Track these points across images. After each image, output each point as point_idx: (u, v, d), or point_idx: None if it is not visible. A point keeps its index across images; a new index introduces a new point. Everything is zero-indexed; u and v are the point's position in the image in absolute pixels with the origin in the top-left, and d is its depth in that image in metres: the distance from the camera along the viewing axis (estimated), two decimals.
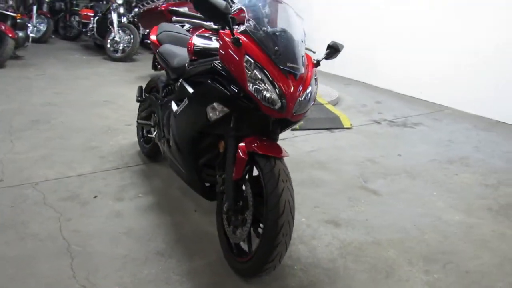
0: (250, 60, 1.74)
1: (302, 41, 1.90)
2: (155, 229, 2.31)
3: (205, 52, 2.13)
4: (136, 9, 7.39)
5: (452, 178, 3.15)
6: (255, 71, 1.73)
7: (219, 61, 1.85)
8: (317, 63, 1.99)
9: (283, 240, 1.70)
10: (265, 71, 1.73)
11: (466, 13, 4.82)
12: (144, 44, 7.45)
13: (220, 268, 2.02)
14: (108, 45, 6.90)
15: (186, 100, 2.06)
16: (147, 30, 7.42)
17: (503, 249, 2.31)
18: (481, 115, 4.76)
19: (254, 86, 1.72)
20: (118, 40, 6.80)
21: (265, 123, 1.89)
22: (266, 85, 1.73)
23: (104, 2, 8.27)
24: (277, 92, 1.73)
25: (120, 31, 6.81)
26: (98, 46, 7.77)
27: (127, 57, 6.83)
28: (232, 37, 1.77)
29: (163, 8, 5.31)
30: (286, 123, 1.94)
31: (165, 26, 3.06)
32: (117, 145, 3.45)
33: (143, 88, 3.17)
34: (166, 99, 2.63)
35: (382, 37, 5.83)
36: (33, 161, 3.05)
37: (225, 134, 1.94)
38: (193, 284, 1.89)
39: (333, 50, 2.06)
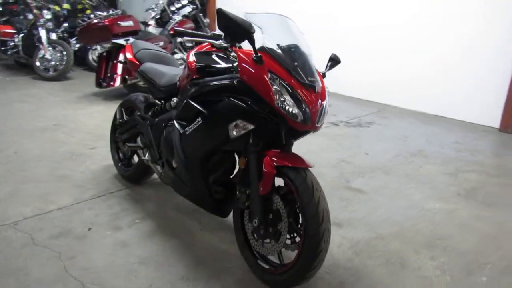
0: (274, 77, 1.79)
1: (311, 55, 1.99)
2: (169, 254, 2.24)
3: (209, 70, 2.13)
4: (65, 24, 6.95)
5: (419, 170, 3.47)
6: (280, 87, 1.78)
7: (237, 78, 1.87)
8: (323, 75, 2.10)
9: (325, 247, 1.77)
10: (290, 86, 1.80)
11: (403, 18, 5.30)
12: (77, 60, 7.06)
13: (250, 284, 2.03)
14: (38, 64, 6.38)
15: (199, 119, 2.04)
16: (78, 46, 7.07)
17: (482, 228, 2.61)
18: (421, 111, 5.25)
19: (281, 101, 1.77)
20: (49, 58, 6.33)
21: (280, 137, 1.94)
22: (292, 99, 1.79)
23: (22, 18, 7.62)
24: (303, 106, 1.81)
25: (50, 48, 6.35)
26: (21, 65, 7.16)
27: (60, 76, 6.38)
28: (254, 54, 1.81)
29: (106, 23, 5.08)
30: (297, 135, 2.02)
31: (139, 44, 2.97)
32: (89, 171, 3.25)
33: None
34: (157, 119, 2.55)
35: (327, 45, 6.16)
36: (1, 199, 2.76)
37: (246, 150, 1.96)
38: None
39: (334, 63, 2.18)
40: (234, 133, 1.91)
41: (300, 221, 1.86)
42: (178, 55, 6.31)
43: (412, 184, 3.19)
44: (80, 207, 2.71)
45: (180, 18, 6.55)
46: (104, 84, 5.27)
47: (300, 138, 2.08)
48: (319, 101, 1.88)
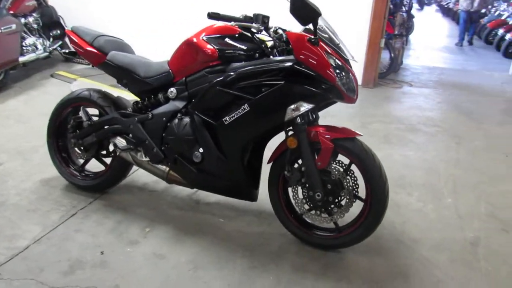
0: (333, 57, 1.89)
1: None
2: (214, 250, 2.13)
3: (232, 54, 2.06)
4: None
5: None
6: (337, 65, 1.90)
7: (292, 60, 1.89)
8: None
9: (387, 203, 2.03)
10: (343, 64, 1.94)
11: None
12: None
13: (314, 252, 2.15)
14: None
15: (246, 106, 1.96)
16: None
17: (421, 159, 3.31)
18: None
19: (339, 78, 1.90)
20: None
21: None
22: (348, 76, 1.94)
23: None
24: (353, 81, 1.98)
25: None
26: None
27: None
28: (309, 36, 1.86)
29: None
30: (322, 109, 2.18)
31: (85, 30, 2.49)
32: (25, 192, 2.63)
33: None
34: (150, 114, 2.27)
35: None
36: None
37: (296, 129, 2.02)
38: (324, 276, 1.99)
39: None
40: (293, 115, 1.94)
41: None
42: (30, 39, 5.28)
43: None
44: (62, 232, 2.24)
45: None
46: None
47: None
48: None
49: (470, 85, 6.30)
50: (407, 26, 7.08)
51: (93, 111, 2.56)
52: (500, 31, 9.50)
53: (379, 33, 5.37)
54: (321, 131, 2.01)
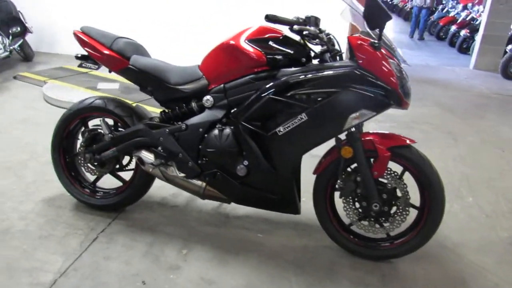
0: (394, 62, 1.81)
1: None
2: (266, 270, 1.98)
3: (280, 60, 1.92)
4: None
5: None
6: (398, 70, 1.82)
7: (354, 66, 1.79)
8: None
9: (444, 210, 1.99)
10: (401, 69, 1.86)
11: None
12: None
13: (368, 263, 2.07)
14: None
15: (304, 115, 1.82)
16: None
17: None
18: None
19: (403, 86, 1.83)
20: None
21: None
22: (406, 81, 1.87)
23: None
24: (409, 86, 1.91)
25: None
26: None
27: None
28: (372, 41, 1.76)
29: None
30: None
31: (97, 30, 2.21)
32: (33, 214, 2.32)
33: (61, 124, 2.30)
34: (183, 124, 2.06)
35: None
36: None
37: (350, 138, 1.92)
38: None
39: None
40: (353, 123, 1.84)
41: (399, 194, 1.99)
42: None
43: None
44: (89, 261, 1.98)
45: None
46: None
47: None
48: None
49: (439, 80, 6.56)
50: None
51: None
52: (453, 28, 10.00)
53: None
54: (375, 139, 1.93)
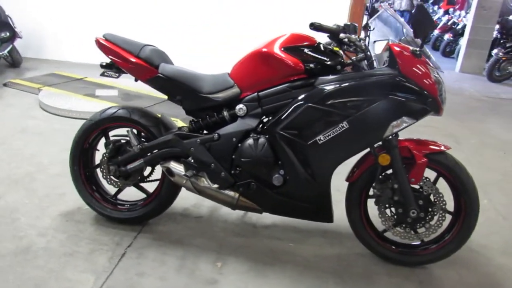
0: (433, 69, 1.82)
1: None
2: (305, 280, 1.95)
3: (318, 67, 1.90)
4: None
5: None
6: (437, 78, 1.83)
7: (395, 74, 1.78)
8: None
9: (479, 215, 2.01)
10: (439, 76, 1.87)
11: None
12: None
13: (405, 269, 2.07)
14: None
15: (345, 124, 1.81)
16: None
17: None
18: None
19: (441, 93, 1.84)
20: None
21: None
22: (443, 88, 1.88)
23: None
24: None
25: None
26: None
27: None
28: (414, 48, 1.77)
29: None
30: None
31: (123, 38, 2.13)
32: (52, 230, 2.21)
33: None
34: (216, 134, 2.02)
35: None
36: None
37: (388, 145, 1.92)
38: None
39: None
40: (393, 131, 1.84)
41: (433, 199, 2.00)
42: None
43: None
44: (123, 278, 1.90)
45: None
46: None
47: None
48: None
49: None
50: None
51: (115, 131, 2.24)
52: (436, 32, 10.26)
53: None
54: (411, 146, 1.94)
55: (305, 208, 2.03)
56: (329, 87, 1.84)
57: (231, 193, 2.08)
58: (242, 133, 2.00)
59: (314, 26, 1.76)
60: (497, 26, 7.85)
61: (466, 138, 4.06)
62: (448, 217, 2.04)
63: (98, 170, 2.31)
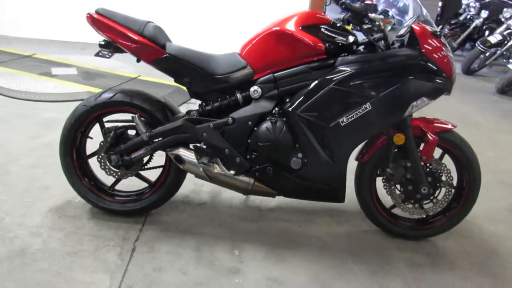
0: (450, 51, 1.86)
1: None
2: (320, 262, 1.96)
3: (338, 47, 1.87)
4: None
5: None
6: (452, 59, 1.88)
7: (416, 54, 1.80)
8: None
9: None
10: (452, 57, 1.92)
11: None
12: None
13: (421, 243, 2.15)
14: None
15: (368, 105, 1.80)
16: None
17: None
18: None
19: (455, 74, 1.89)
20: None
21: None
22: (455, 69, 1.93)
23: None
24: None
25: None
26: None
27: None
28: (433, 29, 1.78)
29: None
30: None
31: (122, 15, 1.92)
32: (46, 228, 2.01)
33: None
34: (230, 118, 1.91)
35: None
36: None
37: (403, 124, 1.95)
38: (438, 267, 2.01)
39: None
40: (412, 111, 1.87)
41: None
42: None
43: None
44: (140, 275, 1.79)
45: None
46: None
47: None
48: None
49: None
50: None
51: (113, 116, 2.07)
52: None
53: None
54: (421, 124, 1.99)
55: (321, 190, 2.03)
56: (352, 68, 1.81)
57: (246, 178, 2.01)
58: (257, 117, 1.92)
59: (345, 5, 1.70)
60: (440, 3, 8.26)
61: (476, 140, 4.23)
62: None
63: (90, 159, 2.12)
